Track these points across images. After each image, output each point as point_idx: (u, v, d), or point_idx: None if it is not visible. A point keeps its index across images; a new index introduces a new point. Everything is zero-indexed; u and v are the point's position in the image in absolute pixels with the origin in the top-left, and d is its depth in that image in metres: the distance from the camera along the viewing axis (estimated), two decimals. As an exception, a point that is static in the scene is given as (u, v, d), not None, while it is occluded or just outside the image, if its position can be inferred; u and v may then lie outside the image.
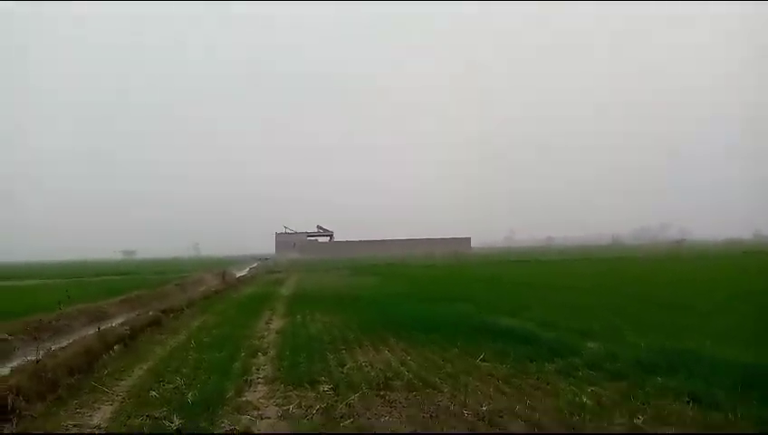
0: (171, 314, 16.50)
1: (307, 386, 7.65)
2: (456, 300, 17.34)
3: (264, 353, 10.30)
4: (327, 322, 13.98)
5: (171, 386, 7.84)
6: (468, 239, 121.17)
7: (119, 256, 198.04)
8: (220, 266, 53.74)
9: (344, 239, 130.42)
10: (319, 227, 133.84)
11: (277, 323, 14.45)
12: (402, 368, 8.58)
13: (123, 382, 8.38)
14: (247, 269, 53.57)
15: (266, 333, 12.77)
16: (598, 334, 10.63)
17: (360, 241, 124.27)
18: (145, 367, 9.43)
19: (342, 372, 8.39)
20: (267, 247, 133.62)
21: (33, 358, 8.35)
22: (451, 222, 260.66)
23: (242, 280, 35.63)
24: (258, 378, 8.38)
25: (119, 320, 15.36)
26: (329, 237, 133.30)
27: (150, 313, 15.21)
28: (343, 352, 10.00)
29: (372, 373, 8.27)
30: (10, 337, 12.19)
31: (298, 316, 15.44)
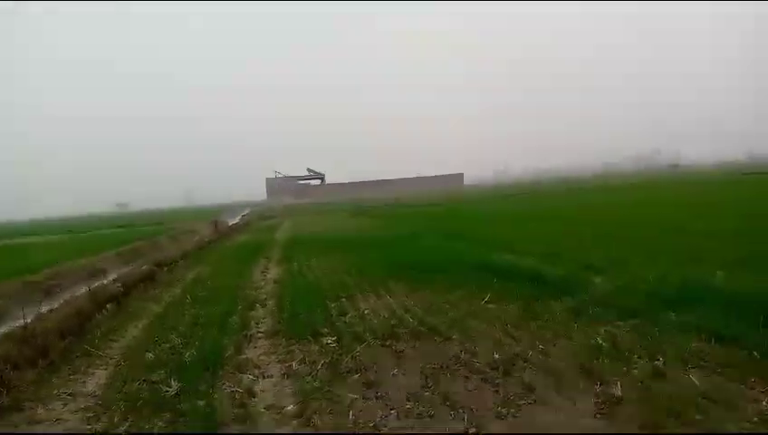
0: (165, 268, 16.15)
1: (309, 339, 7.35)
2: (453, 238, 17.07)
3: (263, 305, 10.01)
4: (325, 267, 13.68)
5: (167, 346, 7.52)
6: (461, 175, 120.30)
7: (113, 209, 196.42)
8: (213, 215, 53.26)
9: (335, 182, 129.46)
10: (309, 169, 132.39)
11: (274, 272, 14.15)
12: (406, 314, 8.31)
13: (117, 344, 8.07)
14: (240, 216, 53.10)
15: (263, 283, 12.48)
16: (603, 267, 10.34)
17: (352, 183, 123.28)
18: (140, 326, 9.12)
19: (345, 322, 8.11)
20: (259, 194, 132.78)
21: (22, 322, 8.00)
22: (444, 159, 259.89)
23: (235, 228, 35.21)
24: (258, 332, 8.10)
25: (112, 276, 15.02)
26: (320, 180, 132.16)
27: (144, 267, 14.84)
28: (344, 299, 9.70)
29: (376, 322, 7.99)
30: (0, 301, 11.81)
31: (294, 263, 15.13)
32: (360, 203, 62.38)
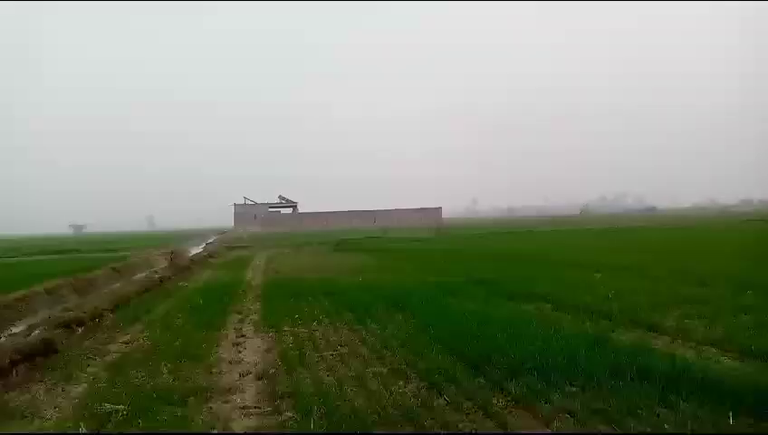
0: (81, 328, 10.41)
1: None
2: (518, 294, 11.80)
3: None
4: (340, 345, 8.19)
5: None
6: (440, 209, 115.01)
7: (68, 231, 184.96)
8: (174, 242, 46.90)
9: (307, 211, 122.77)
10: (281, 197, 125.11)
11: (253, 348, 8.57)
12: None
13: None
14: (204, 245, 46.66)
15: (237, 379, 6.88)
16: None
17: (326, 212, 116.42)
18: None
19: None
20: (225, 221, 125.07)
21: None
22: (409, 192, 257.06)
23: (197, 260, 29.03)
24: None
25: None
26: (292, 208, 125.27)
27: (36, 332, 9.07)
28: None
29: None
30: None
31: (285, 330, 9.59)
32: (340, 235, 56.48)
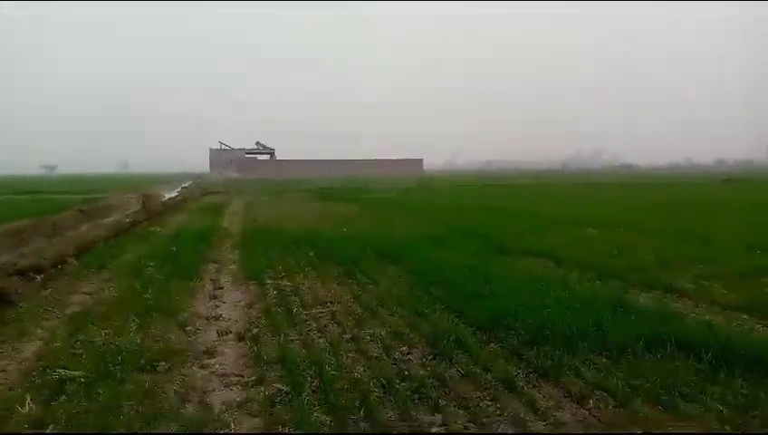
0: (41, 275, 9.42)
1: None
2: (511, 249, 11.12)
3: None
4: (330, 302, 7.41)
5: None
6: (420, 161, 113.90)
7: (39, 172, 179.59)
8: (147, 185, 45.21)
9: (285, 158, 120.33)
10: (258, 143, 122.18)
11: (232, 303, 7.75)
12: None
13: None
14: (178, 189, 45.02)
15: (215, 339, 6.06)
16: None
17: (305, 160, 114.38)
18: None
19: None
20: (201, 166, 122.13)
21: None
22: (388, 144, 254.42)
23: (170, 205, 27.82)
24: None
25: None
26: (269, 155, 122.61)
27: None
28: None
29: None
30: None
31: (267, 282, 8.76)
32: (319, 183, 55.17)
